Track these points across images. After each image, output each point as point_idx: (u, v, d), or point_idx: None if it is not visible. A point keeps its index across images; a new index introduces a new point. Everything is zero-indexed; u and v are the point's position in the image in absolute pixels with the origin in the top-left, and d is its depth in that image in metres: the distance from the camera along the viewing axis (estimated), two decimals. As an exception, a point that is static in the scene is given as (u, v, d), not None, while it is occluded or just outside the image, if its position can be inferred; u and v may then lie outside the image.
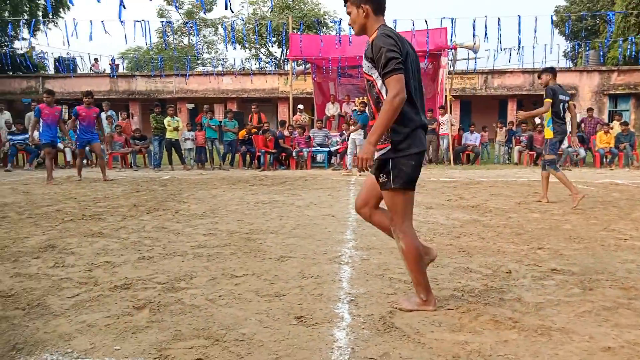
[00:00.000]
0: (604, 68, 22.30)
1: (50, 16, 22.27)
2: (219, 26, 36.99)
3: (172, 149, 12.78)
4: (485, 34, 13.81)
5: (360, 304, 2.67)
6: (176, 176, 10.59)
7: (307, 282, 3.06)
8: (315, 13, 30.70)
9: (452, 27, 13.60)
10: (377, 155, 2.47)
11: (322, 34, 19.22)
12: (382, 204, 2.64)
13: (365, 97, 16.64)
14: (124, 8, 10.59)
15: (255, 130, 13.22)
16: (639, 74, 21.61)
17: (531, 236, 4.37)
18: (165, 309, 2.59)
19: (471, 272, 3.25)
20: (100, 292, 2.85)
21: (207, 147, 13.37)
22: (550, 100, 6.06)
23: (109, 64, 23.82)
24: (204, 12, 34.08)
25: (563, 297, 2.76)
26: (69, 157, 13.44)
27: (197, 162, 13.43)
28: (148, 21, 13.75)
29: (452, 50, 14.43)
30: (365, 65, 2.49)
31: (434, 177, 10.13)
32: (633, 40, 17.55)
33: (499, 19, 13.63)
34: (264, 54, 35.13)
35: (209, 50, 38.97)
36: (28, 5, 21.44)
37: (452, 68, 15.33)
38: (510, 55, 44.89)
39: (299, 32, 15.70)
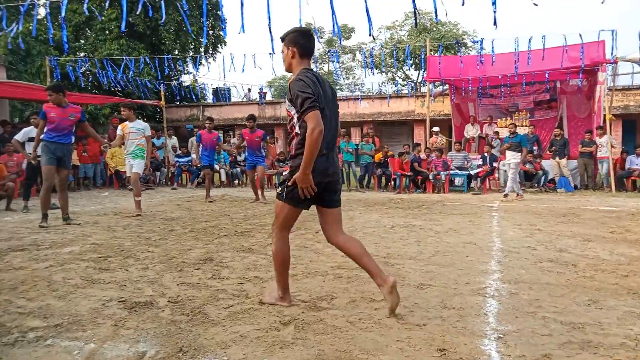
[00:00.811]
0: None
1: (210, 51, 25.17)
2: (357, 52, 38.32)
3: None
4: (653, 46, 12.12)
5: (510, 342, 2.48)
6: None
7: (449, 312, 2.94)
8: (454, 34, 29.98)
9: (612, 40, 12.22)
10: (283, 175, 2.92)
11: (461, 55, 18.70)
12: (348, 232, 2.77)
13: (508, 119, 15.70)
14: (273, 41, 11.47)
15: (392, 153, 13.25)
16: None
17: None
18: (308, 327, 2.69)
19: (645, 319, 2.82)
20: (250, 305, 3.07)
21: (343, 170, 13.75)
22: None
23: (258, 93, 25.93)
24: (340, 43, 35.50)
25: None
26: (223, 177, 14.87)
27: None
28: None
29: (613, 64, 12.95)
30: (287, 103, 2.84)
31: (592, 205, 9.06)
32: None
33: (671, 27, 11.91)
34: (400, 77, 35.27)
35: (347, 75, 40.48)
36: (193, 44, 24.56)
37: (612, 84, 13.70)
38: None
39: (437, 54, 15.47)
